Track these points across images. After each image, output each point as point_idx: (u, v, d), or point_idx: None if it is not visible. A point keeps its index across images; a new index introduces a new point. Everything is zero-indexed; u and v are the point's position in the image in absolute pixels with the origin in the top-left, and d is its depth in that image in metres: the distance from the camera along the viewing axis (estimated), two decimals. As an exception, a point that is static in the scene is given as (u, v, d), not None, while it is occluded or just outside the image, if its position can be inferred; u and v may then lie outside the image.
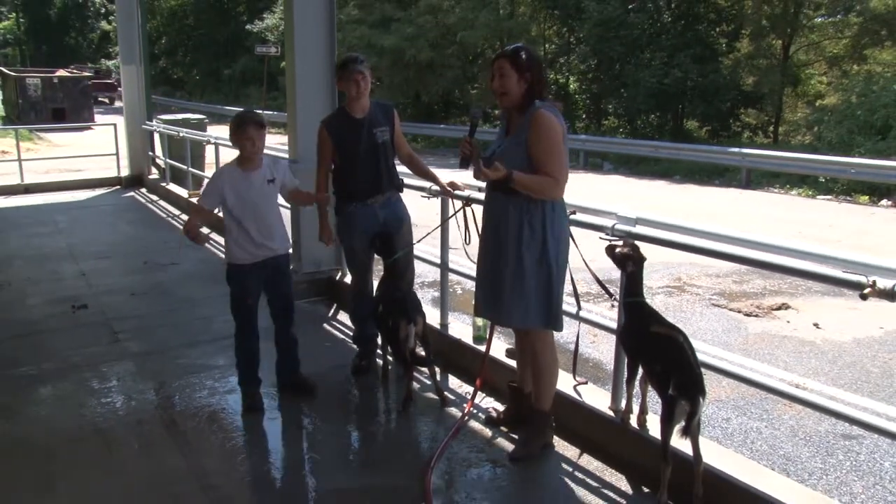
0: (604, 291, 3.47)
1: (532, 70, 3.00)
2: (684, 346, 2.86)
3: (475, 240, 3.80)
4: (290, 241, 4.11)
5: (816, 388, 4.15)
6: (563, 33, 22.79)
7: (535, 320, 3.13)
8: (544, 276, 3.07)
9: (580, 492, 3.04)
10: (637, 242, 3.16)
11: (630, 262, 3.09)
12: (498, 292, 3.16)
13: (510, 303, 3.12)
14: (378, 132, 3.97)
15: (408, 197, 4.39)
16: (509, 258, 3.08)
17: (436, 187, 4.17)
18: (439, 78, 22.87)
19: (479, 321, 4.19)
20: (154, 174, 11.10)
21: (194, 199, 9.14)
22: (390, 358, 4.10)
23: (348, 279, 4.95)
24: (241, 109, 4.20)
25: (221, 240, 7.74)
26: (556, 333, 3.27)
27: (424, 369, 3.99)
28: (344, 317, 5.08)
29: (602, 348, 4.86)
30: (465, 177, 4.08)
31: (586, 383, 3.62)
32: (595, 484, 3.08)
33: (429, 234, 4.25)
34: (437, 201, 4.24)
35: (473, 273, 4.07)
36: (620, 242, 3.15)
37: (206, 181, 4.02)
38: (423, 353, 3.86)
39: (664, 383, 2.79)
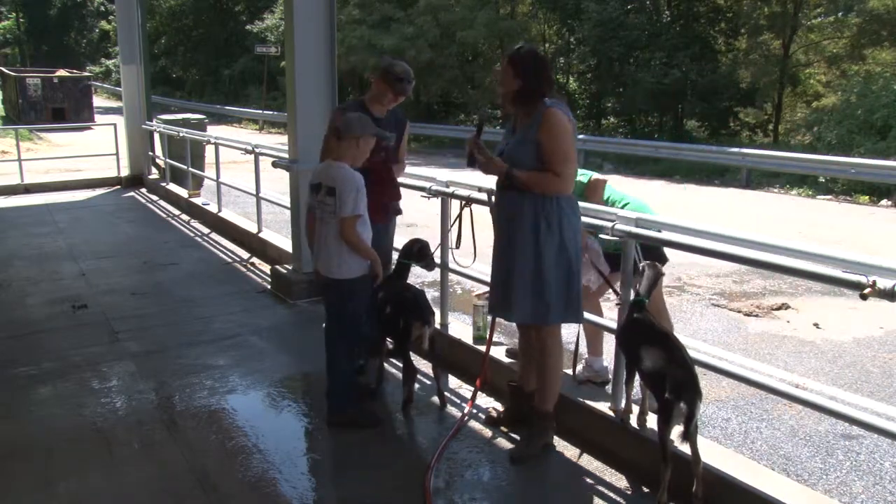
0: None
1: (528, 69, 3.03)
2: (679, 349, 2.87)
3: (475, 239, 3.81)
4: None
5: (816, 388, 4.15)
6: (563, 33, 22.79)
7: (556, 315, 3.13)
8: (564, 269, 3.08)
9: (580, 492, 3.04)
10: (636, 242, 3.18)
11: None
12: (512, 289, 3.14)
13: (526, 299, 3.11)
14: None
15: (409, 197, 4.39)
16: (528, 254, 3.07)
17: (436, 187, 4.17)
18: (439, 78, 22.86)
19: (480, 321, 4.19)
20: (154, 174, 11.10)
21: (195, 199, 9.13)
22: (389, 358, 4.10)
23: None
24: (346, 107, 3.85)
25: (221, 239, 7.78)
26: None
27: (427, 370, 3.99)
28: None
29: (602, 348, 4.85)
30: (467, 177, 4.09)
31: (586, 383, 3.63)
32: (595, 484, 3.08)
33: (440, 242, 4.24)
34: (436, 201, 4.24)
35: (473, 273, 4.09)
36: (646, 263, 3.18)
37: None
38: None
39: (660, 386, 2.79)
